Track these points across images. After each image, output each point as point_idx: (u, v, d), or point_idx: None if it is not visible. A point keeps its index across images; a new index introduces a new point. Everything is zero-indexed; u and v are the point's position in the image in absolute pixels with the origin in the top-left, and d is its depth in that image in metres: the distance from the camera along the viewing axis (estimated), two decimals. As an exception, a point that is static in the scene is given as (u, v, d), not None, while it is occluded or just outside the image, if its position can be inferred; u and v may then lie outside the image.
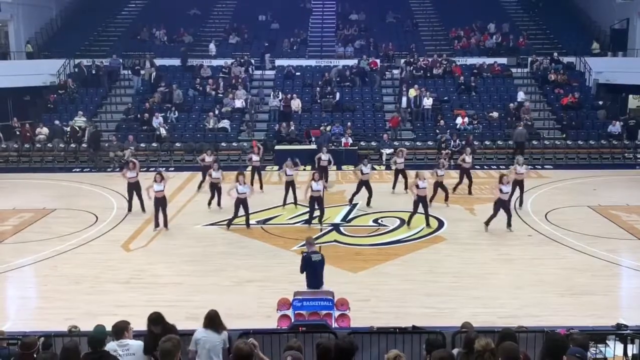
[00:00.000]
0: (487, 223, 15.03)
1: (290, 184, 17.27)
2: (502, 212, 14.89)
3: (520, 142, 23.97)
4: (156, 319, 6.96)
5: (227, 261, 13.08)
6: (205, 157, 19.00)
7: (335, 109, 27.19)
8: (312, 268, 9.81)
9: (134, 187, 16.77)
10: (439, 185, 17.43)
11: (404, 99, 26.85)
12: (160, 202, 15.35)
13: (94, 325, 6.47)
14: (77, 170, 23.46)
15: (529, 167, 17.35)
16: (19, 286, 12.53)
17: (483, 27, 32.72)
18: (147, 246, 14.38)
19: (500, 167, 23.27)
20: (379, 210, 16.93)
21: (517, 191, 16.93)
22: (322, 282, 9.92)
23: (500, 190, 14.70)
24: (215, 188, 16.95)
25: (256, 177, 19.49)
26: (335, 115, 26.89)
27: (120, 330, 6.46)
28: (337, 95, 27.54)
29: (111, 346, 6.31)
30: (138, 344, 6.40)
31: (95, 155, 23.99)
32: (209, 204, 17.13)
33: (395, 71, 29.90)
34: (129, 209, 16.88)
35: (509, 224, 15.01)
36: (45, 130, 25.44)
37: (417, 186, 15.22)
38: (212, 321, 6.67)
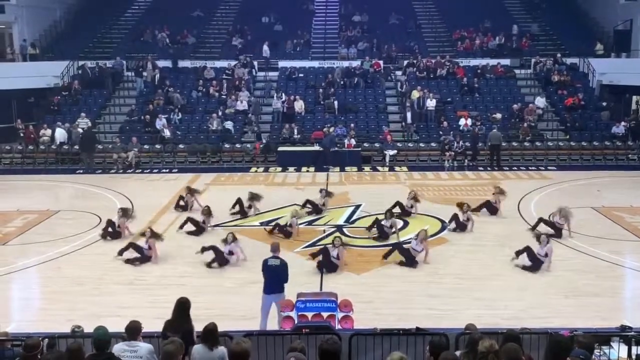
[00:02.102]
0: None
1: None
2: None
3: (495, 145, 23.84)
4: (187, 302, 7.42)
5: (230, 262, 13.06)
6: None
7: (338, 111, 27.11)
8: (267, 272, 9.78)
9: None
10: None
11: (409, 115, 26.27)
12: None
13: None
14: (81, 171, 23.50)
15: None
16: (23, 287, 12.55)
17: (487, 28, 32.65)
18: (150, 247, 14.40)
19: (504, 168, 23.23)
20: (382, 212, 16.87)
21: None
22: (280, 289, 9.66)
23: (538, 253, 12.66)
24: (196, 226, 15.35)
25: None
26: (338, 116, 26.90)
27: (136, 330, 6.45)
28: (336, 104, 27.17)
29: (119, 347, 6.31)
30: (147, 347, 6.36)
31: (88, 156, 23.98)
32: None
33: (398, 72, 29.94)
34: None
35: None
36: (48, 131, 25.49)
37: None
38: (206, 336, 6.46)
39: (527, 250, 12.64)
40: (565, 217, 14.65)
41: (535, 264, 12.49)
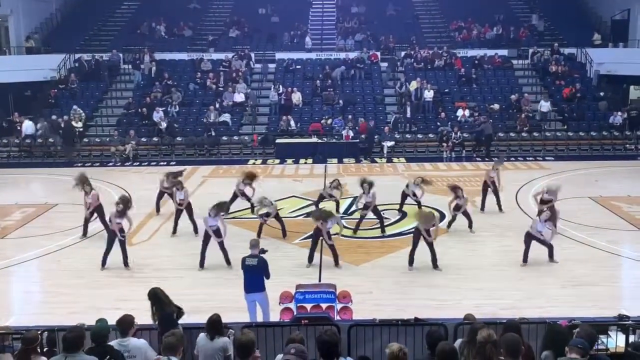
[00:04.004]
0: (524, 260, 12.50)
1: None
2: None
3: (488, 135, 23.88)
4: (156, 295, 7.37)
5: (230, 254, 13.05)
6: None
7: (341, 107, 26.88)
8: (245, 272, 9.72)
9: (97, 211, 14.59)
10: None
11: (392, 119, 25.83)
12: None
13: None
14: (79, 164, 23.47)
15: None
16: (22, 281, 12.58)
17: (490, 19, 32.49)
18: (149, 240, 14.44)
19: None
20: (381, 203, 16.88)
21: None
22: (259, 288, 9.56)
23: (532, 227, 12.47)
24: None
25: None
26: (336, 108, 26.84)
27: (127, 325, 6.41)
28: (341, 102, 26.88)
29: (113, 344, 6.32)
30: (140, 344, 6.33)
31: (68, 149, 24.13)
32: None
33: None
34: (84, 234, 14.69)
35: (550, 256, 12.50)
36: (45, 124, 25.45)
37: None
38: (210, 327, 6.55)
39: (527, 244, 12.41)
40: (553, 192, 14.25)
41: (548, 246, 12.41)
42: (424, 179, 15.98)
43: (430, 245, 12.19)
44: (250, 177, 16.12)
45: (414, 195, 15.74)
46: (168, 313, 7.28)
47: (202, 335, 6.56)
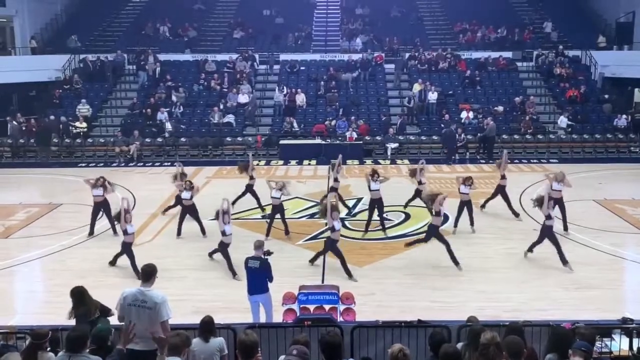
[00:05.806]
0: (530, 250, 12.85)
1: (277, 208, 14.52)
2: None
3: (491, 137, 23.87)
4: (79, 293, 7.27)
5: (233, 255, 13.04)
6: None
7: (343, 110, 26.80)
8: (248, 273, 9.68)
9: (101, 207, 14.81)
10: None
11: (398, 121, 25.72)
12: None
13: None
14: (83, 165, 23.56)
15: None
16: (26, 280, 12.61)
17: (494, 21, 32.41)
18: (152, 241, 14.46)
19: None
20: (384, 205, 16.88)
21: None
22: (262, 290, 9.49)
23: (551, 187, 12.79)
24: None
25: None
26: (340, 109, 26.82)
27: (148, 273, 6.55)
28: (341, 111, 26.50)
29: (133, 294, 6.47)
30: (159, 296, 6.41)
31: (43, 150, 24.30)
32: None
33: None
34: (91, 232, 14.78)
35: (562, 259, 12.30)
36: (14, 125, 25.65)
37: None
38: (203, 329, 6.52)
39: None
40: (562, 180, 14.57)
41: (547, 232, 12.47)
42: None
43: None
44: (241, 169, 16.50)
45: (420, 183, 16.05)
46: (81, 313, 7.30)
47: (195, 340, 6.45)
